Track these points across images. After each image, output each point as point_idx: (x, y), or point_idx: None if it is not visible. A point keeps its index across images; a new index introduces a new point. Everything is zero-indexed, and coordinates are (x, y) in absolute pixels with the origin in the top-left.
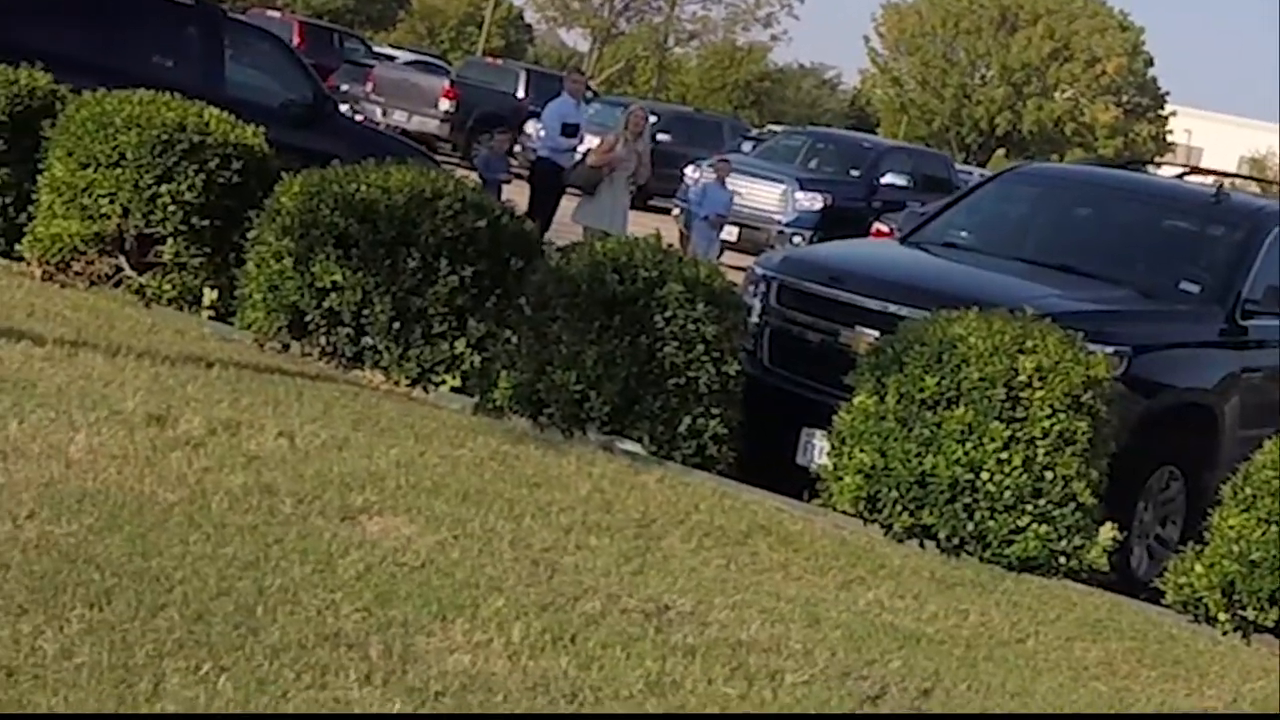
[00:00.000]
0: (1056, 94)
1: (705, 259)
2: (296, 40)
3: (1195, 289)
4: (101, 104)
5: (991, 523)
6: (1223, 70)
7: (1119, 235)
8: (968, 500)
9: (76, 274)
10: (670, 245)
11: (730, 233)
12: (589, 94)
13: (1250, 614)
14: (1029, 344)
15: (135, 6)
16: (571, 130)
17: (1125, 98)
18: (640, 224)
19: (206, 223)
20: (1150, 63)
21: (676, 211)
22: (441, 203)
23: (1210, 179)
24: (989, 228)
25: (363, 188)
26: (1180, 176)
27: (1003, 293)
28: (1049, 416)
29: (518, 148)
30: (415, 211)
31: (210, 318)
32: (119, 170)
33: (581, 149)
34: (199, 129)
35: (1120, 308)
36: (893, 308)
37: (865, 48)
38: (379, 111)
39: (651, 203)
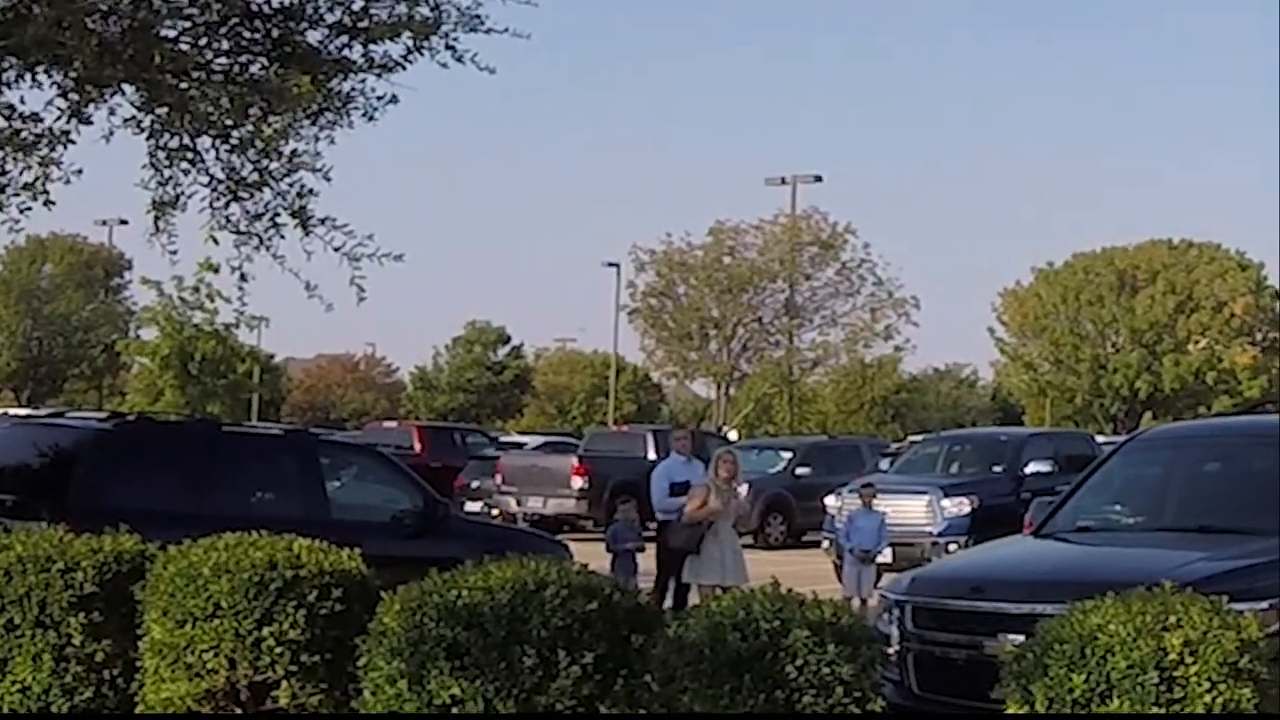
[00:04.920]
0: (1190, 346)
1: (859, 591)
2: (417, 446)
3: None
4: (188, 556)
5: None
6: None
7: (1253, 483)
8: None
9: None
10: (790, 590)
11: (885, 555)
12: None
13: None
14: (1172, 620)
15: (227, 447)
16: (681, 488)
17: (1260, 335)
18: (795, 562)
19: (317, 658)
20: (1278, 295)
21: (825, 544)
22: (548, 592)
23: None
24: (1119, 504)
25: (464, 592)
26: None
27: (1140, 569)
28: (1208, 691)
29: None
30: (522, 606)
31: None
32: (217, 621)
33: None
34: (291, 563)
35: (1266, 559)
36: (1029, 607)
37: (992, 339)
38: (513, 502)
39: (805, 538)
